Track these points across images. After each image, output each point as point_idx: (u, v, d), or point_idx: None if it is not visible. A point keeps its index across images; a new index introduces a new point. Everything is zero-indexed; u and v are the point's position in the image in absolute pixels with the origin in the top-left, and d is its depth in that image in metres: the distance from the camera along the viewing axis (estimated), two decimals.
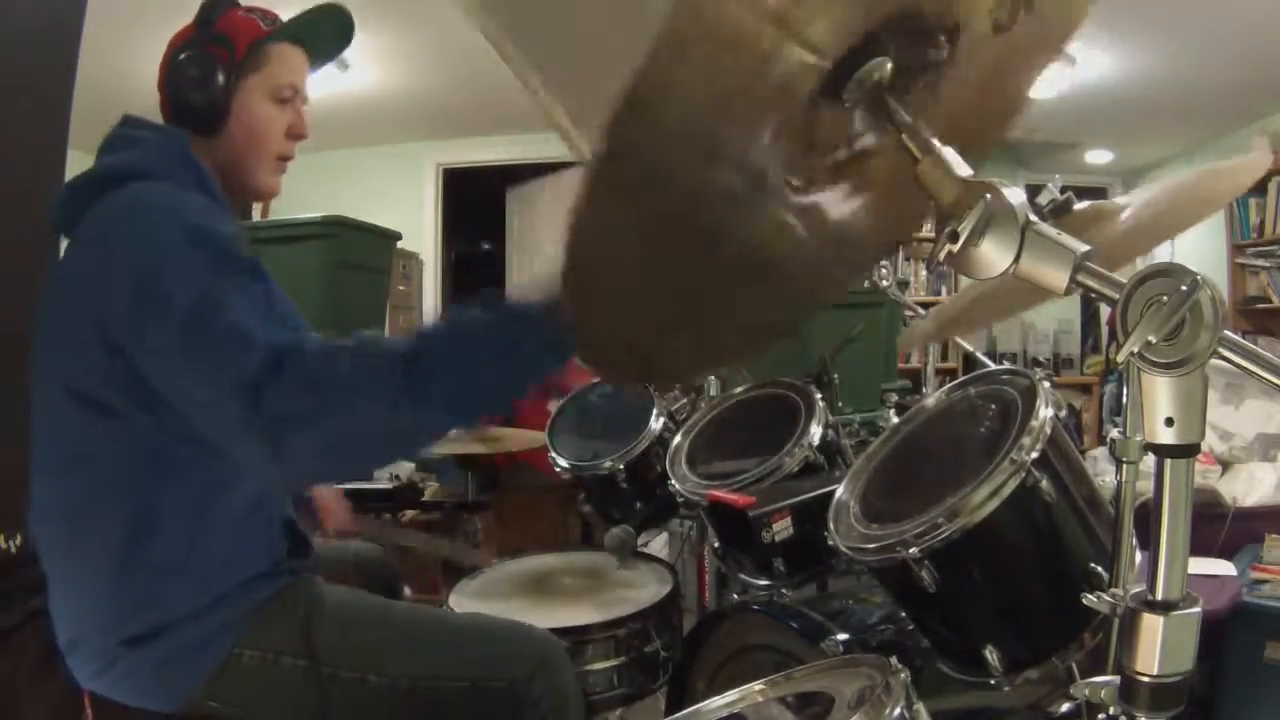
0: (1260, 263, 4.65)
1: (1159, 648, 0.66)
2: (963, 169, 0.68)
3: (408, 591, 1.94)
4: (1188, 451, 0.64)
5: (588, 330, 0.77)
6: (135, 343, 1.02)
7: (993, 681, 1.04)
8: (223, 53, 1.21)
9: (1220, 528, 2.21)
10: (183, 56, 1.21)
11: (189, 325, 0.97)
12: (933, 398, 1.33)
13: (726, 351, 1.01)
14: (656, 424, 1.93)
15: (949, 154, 0.68)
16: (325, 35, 1.31)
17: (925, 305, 4.47)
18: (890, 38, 0.69)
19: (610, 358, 0.84)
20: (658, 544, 2.62)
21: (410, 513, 3.17)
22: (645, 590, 1.74)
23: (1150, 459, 0.66)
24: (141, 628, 1.10)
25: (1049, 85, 3.70)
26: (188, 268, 1.00)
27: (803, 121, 0.69)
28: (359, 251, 3.28)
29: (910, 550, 1.01)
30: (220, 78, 1.20)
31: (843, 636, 1.30)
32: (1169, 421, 0.62)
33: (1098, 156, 5.65)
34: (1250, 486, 2.46)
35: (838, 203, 0.81)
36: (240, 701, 1.15)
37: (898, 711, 0.76)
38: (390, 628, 1.25)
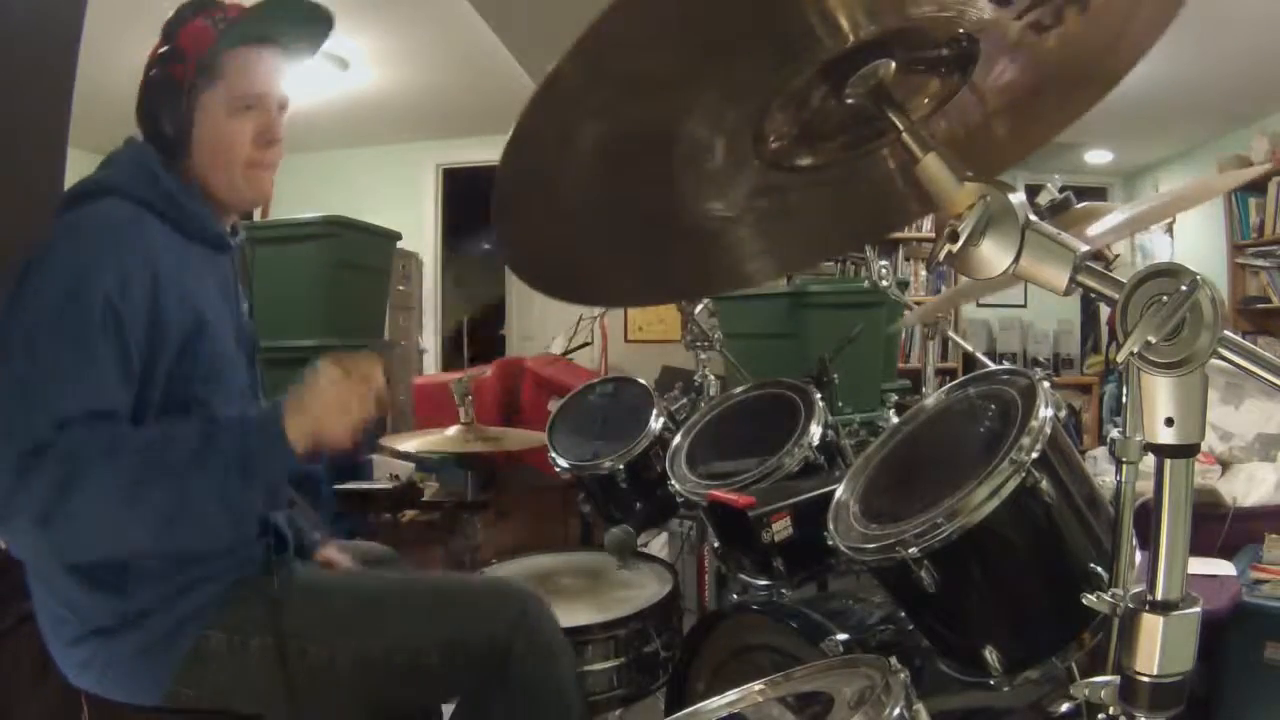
0: (1260, 263, 4.64)
1: (1159, 648, 0.66)
2: (962, 169, 0.68)
3: None
4: (1188, 451, 0.64)
5: None
6: None
7: (993, 681, 1.04)
8: (178, 70, 1.16)
9: (1220, 528, 2.21)
10: (150, 75, 1.18)
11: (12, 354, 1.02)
12: (933, 398, 1.33)
13: None
14: (656, 424, 1.93)
15: (948, 154, 0.69)
16: (286, 24, 1.22)
17: None
18: (898, 44, 0.69)
19: None
20: (658, 544, 2.62)
21: (410, 513, 3.17)
22: (645, 590, 1.74)
23: (1150, 459, 0.66)
24: (111, 619, 1.10)
25: None
26: (43, 316, 1.03)
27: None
28: (359, 251, 3.28)
29: (910, 550, 1.01)
30: (179, 99, 1.16)
31: (843, 636, 1.29)
32: (1169, 421, 0.62)
33: (1098, 156, 5.64)
34: (1250, 486, 2.45)
35: None
36: (213, 687, 1.14)
37: (897, 711, 0.76)
38: (361, 599, 1.24)
